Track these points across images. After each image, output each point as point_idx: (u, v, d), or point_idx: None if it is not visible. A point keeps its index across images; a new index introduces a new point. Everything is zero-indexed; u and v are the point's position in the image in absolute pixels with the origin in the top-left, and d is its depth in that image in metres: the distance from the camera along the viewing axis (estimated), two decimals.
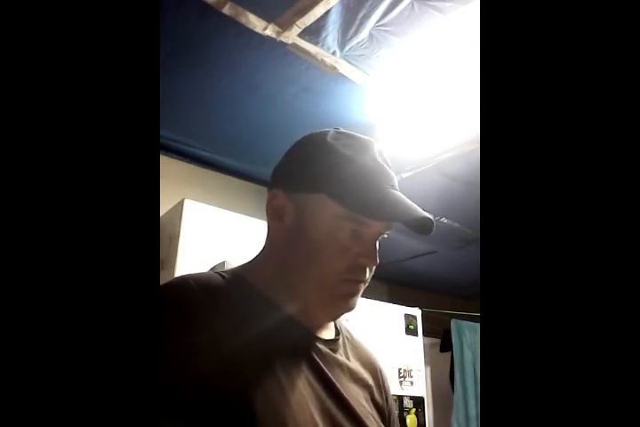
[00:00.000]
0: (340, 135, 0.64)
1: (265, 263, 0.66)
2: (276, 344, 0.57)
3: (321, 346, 0.62)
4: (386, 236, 0.63)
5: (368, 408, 0.64)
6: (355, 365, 0.67)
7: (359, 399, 0.63)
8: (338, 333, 0.69)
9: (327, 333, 0.66)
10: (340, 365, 0.64)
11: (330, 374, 0.60)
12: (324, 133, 0.64)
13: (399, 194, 0.61)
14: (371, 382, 0.68)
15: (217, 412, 0.49)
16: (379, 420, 0.65)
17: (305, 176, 0.62)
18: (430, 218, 0.60)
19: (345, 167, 0.60)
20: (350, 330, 0.74)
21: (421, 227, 0.63)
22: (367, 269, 0.61)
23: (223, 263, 1.52)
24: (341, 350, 0.66)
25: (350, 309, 0.62)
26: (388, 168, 0.62)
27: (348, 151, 0.61)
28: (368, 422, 0.61)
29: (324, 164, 0.61)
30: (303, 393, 0.55)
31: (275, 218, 0.64)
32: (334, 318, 0.67)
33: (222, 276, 0.61)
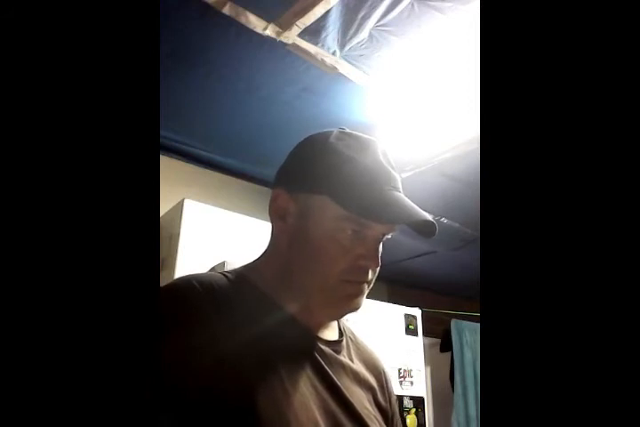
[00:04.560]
0: (343, 135, 0.63)
1: (268, 263, 0.66)
2: (279, 345, 0.57)
3: (324, 347, 0.62)
4: (389, 237, 0.63)
5: (371, 410, 0.63)
6: (358, 366, 0.67)
7: (362, 401, 0.63)
8: (341, 334, 0.68)
9: (331, 334, 0.66)
10: (344, 366, 0.63)
11: (333, 376, 0.60)
12: (328, 134, 0.64)
13: (401, 196, 0.60)
14: (374, 383, 0.68)
15: (218, 412, 0.49)
16: (382, 422, 0.64)
17: (307, 177, 0.62)
18: (432, 220, 0.59)
19: (346, 168, 0.60)
20: (354, 331, 0.74)
21: (424, 229, 0.62)
22: (369, 271, 0.61)
23: (223, 263, 1.52)
24: (345, 352, 0.66)
25: (353, 309, 0.62)
26: (390, 169, 0.62)
27: (350, 152, 0.61)
28: (371, 424, 0.60)
29: (325, 164, 0.61)
30: (306, 394, 0.55)
31: (277, 218, 0.64)
32: (336, 318, 0.67)
33: (225, 276, 0.61)
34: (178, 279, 0.60)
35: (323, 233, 0.60)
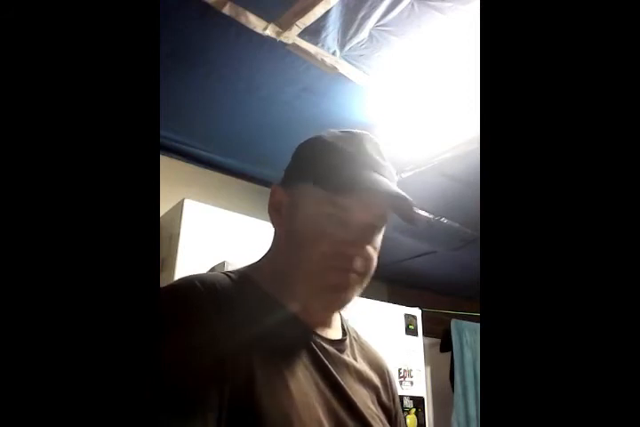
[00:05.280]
0: (335, 132, 0.66)
1: (269, 261, 0.66)
2: (281, 344, 0.57)
3: (327, 346, 0.62)
4: (378, 226, 0.62)
5: (374, 409, 0.64)
6: (362, 365, 0.67)
7: (365, 400, 0.63)
8: (345, 333, 0.69)
9: (334, 333, 0.66)
10: (347, 365, 0.64)
11: (336, 375, 0.60)
12: (324, 132, 0.66)
13: (380, 177, 0.60)
14: (378, 382, 0.68)
15: (221, 411, 0.49)
16: (385, 421, 0.65)
17: (297, 168, 0.65)
18: (407, 197, 0.59)
19: (329, 154, 0.62)
20: (357, 331, 0.74)
21: (404, 211, 0.62)
22: (355, 258, 0.60)
23: (223, 263, 1.52)
24: (348, 351, 0.66)
25: (342, 303, 0.62)
26: (377, 158, 0.63)
27: (336, 141, 0.63)
28: (374, 424, 0.61)
29: (312, 154, 0.64)
30: (309, 393, 0.55)
31: (274, 212, 0.66)
32: (328, 311, 0.66)
33: (228, 276, 0.62)
34: (180, 279, 0.60)
35: (306, 218, 0.61)
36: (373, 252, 0.62)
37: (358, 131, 0.66)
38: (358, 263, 0.60)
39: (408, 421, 2.36)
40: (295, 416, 0.51)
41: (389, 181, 0.61)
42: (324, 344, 0.62)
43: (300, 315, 0.61)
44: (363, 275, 0.62)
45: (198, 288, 0.56)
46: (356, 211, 0.60)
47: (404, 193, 0.59)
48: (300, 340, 0.60)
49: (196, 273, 0.61)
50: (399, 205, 0.61)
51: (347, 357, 0.65)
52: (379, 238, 0.64)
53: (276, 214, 0.65)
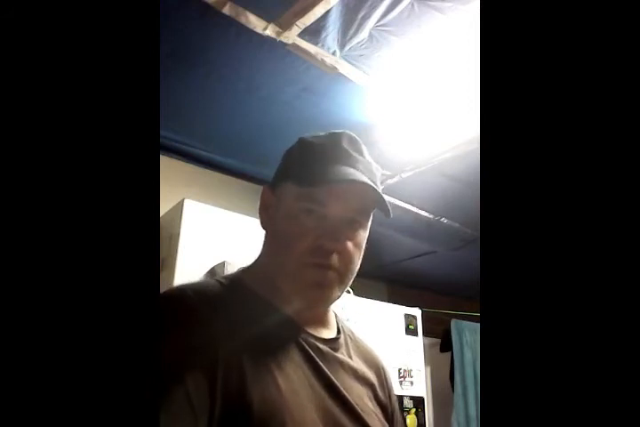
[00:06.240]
0: (321, 133, 0.66)
1: (260, 263, 0.67)
2: (273, 345, 0.57)
3: (321, 345, 0.62)
4: (355, 219, 0.62)
5: (371, 406, 0.64)
6: (357, 363, 0.67)
7: (362, 397, 0.63)
8: (339, 331, 0.69)
9: (328, 332, 0.66)
10: (342, 363, 0.64)
11: (330, 373, 0.60)
12: (307, 134, 0.67)
13: (348, 168, 0.60)
14: (374, 380, 0.68)
15: (212, 413, 0.49)
16: (382, 418, 0.65)
17: (279, 168, 0.67)
18: (375, 188, 0.59)
19: (304, 151, 0.64)
20: (352, 329, 0.74)
21: (380, 205, 0.62)
22: (333, 255, 0.60)
23: (223, 263, 1.52)
24: (343, 349, 0.66)
25: (325, 300, 0.62)
26: (352, 152, 0.63)
27: (314, 139, 0.65)
28: (371, 420, 0.61)
29: (292, 153, 0.66)
30: (302, 393, 0.55)
31: (262, 214, 0.67)
32: (311, 309, 0.65)
33: (220, 282, 0.62)
34: (171, 288, 0.60)
35: (285, 215, 0.62)
36: (354, 249, 0.62)
37: (342, 130, 0.66)
38: (337, 260, 0.60)
39: (408, 421, 2.36)
40: (288, 416, 0.52)
41: (362, 173, 0.61)
42: (318, 343, 0.62)
43: (292, 315, 0.61)
44: (343, 273, 0.61)
45: (189, 294, 0.57)
46: (333, 205, 0.60)
47: (374, 184, 0.60)
48: (293, 340, 0.60)
49: (185, 283, 0.61)
50: (372, 197, 0.61)
51: (341, 355, 0.65)
52: (362, 235, 0.63)
53: (265, 215, 0.66)
